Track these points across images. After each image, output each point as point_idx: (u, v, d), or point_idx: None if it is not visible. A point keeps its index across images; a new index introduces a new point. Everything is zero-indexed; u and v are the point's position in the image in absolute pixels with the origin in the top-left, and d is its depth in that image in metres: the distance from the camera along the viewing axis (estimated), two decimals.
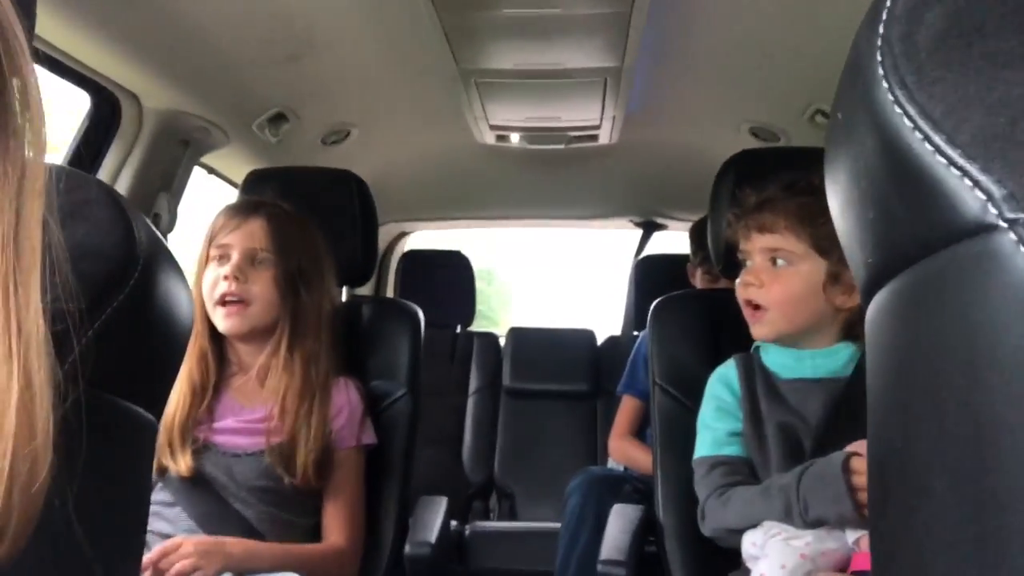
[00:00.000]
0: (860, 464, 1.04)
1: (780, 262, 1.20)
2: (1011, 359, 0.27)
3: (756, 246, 1.22)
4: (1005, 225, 0.27)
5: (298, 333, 1.38)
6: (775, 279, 1.20)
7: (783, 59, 1.59)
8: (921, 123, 0.29)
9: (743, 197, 1.28)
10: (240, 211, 1.41)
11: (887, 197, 0.32)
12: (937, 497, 0.30)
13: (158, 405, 0.71)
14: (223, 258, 1.37)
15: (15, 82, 0.41)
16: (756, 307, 1.22)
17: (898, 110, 0.30)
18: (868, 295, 0.37)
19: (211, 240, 1.39)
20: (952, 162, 0.29)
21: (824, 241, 1.16)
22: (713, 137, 2.03)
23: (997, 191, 0.28)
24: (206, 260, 1.39)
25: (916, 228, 0.31)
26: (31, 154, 0.42)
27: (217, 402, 1.38)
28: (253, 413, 1.37)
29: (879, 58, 0.31)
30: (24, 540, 0.42)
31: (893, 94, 0.30)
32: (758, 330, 1.24)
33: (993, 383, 0.27)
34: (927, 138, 0.29)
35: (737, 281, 1.27)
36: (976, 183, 0.28)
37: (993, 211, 0.28)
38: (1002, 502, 0.27)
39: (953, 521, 0.29)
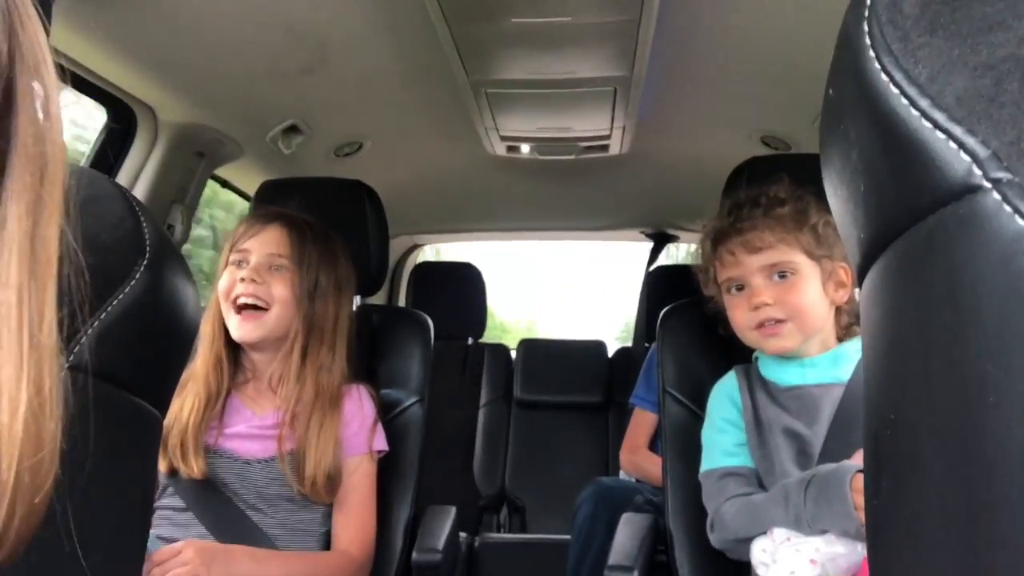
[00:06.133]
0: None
1: (784, 275, 1.21)
2: (994, 316, 0.26)
3: (751, 267, 1.22)
4: (989, 185, 0.27)
5: (312, 343, 1.38)
6: (787, 292, 1.20)
7: (792, 66, 1.59)
8: (907, 88, 0.29)
9: (714, 222, 1.28)
10: (261, 218, 1.42)
11: (877, 167, 0.32)
12: (927, 464, 0.29)
13: (164, 402, 0.72)
14: (242, 263, 1.38)
15: (37, 88, 0.41)
16: (777, 322, 1.20)
17: (884, 77, 0.30)
18: (862, 274, 0.37)
19: (232, 246, 1.40)
20: (938, 125, 0.29)
21: (809, 245, 1.20)
22: (724, 146, 2.02)
23: (982, 152, 0.28)
24: (225, 264, 1.40)
25: (904, 195, 0.31)
26: (50, 163, 0.43)
27: (228, 407, 1.38)
28: (264, 419, 1.37)
29: (866, 28, 0.31)
30: (21, 549, 0.42)
31: (880, 62, 0.30)
32: (781, 343, 1.21)
33: (978, 341, 0.27)
34: (913, 103, 0.29)
35: (734, 308, 1.25)
36: (961, 145, 0.28)
37: (978, 172, 0.28)
38: (990, 464, 0.27)
39: (943, 487, 0.29)
